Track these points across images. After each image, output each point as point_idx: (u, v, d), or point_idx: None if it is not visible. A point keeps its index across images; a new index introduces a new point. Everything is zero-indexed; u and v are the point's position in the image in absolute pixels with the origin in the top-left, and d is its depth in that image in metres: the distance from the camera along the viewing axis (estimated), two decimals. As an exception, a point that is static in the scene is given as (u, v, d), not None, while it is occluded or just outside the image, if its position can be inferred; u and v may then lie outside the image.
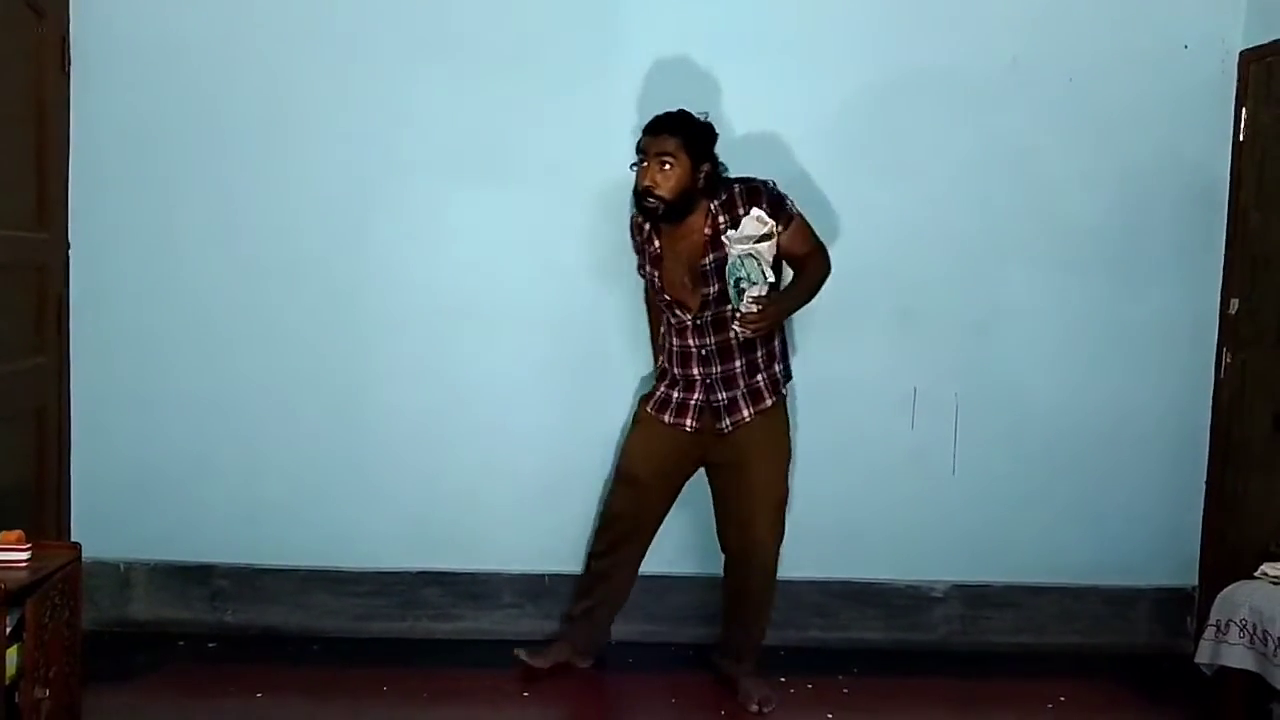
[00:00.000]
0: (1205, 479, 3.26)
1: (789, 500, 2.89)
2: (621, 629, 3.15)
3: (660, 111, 2.75)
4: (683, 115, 2.74)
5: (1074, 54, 3.15)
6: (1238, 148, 3.16)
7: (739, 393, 2.80)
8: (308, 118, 3.08)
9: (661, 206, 2.70)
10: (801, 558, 3.20)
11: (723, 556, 2.94)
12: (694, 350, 2.81)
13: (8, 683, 2.18)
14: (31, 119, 2.90)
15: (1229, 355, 3.19)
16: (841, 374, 3.18)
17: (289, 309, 3.12)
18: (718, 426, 2.81)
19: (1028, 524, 3.27)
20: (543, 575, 3.20)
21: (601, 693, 2.97)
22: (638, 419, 2.95)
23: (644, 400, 2.94)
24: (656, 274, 2.83)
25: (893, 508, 3.24)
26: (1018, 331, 3.23)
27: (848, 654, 3.17)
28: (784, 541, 2.88)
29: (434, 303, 3.13)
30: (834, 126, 3.13)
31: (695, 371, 2.82)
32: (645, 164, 2.71)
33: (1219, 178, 3.19)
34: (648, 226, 2.81)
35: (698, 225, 2.75)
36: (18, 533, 2.36)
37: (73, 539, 2.96)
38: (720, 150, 2.76)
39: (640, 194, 2.71)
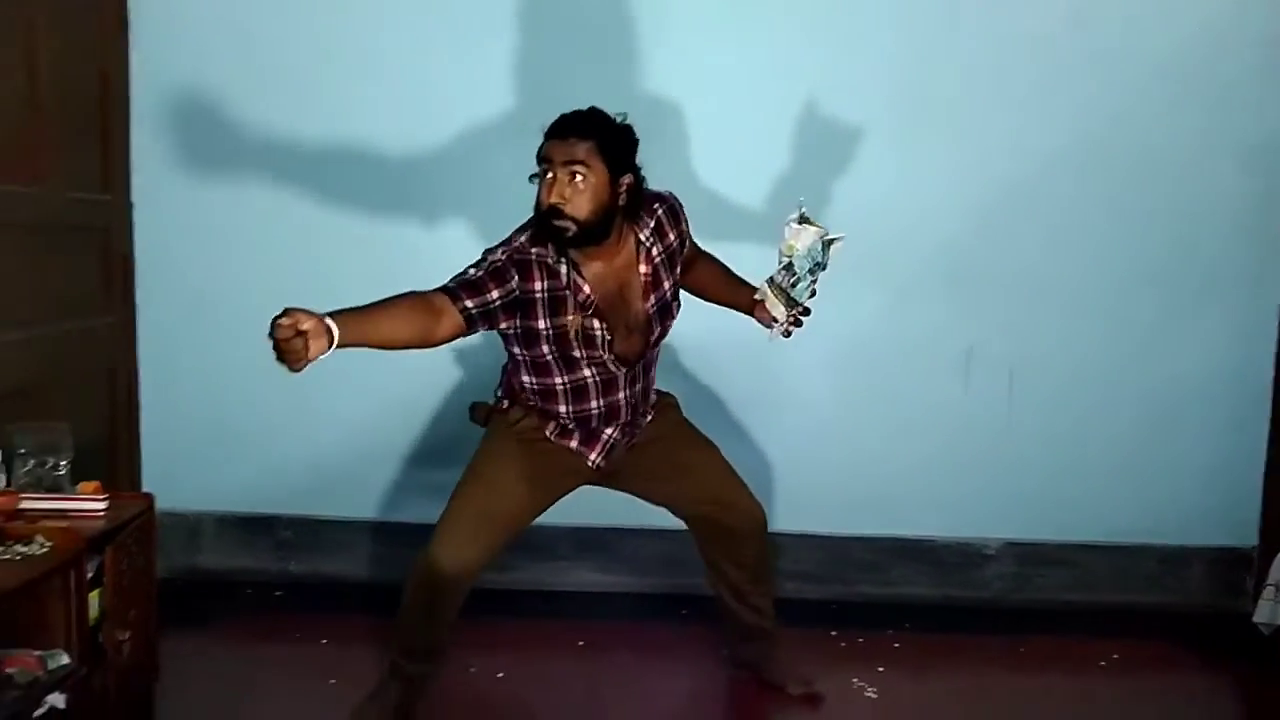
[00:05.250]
0: (1266, 438, 3.21)
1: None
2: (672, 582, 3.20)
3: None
4: (595, 114, 2.17)
5: (1135, 4, 3.06)
6: (1308, 98, 3.08)
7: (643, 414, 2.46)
8: (374, 73, 3.08)
9: (573, 228, 2.12)
10: (851, 515, 3.24)
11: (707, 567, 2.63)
12: (623, 403, 2.36)
13: (92, 624, 2.29)
14: (93, 79, 2.93)
15: (1293, 312, 3.13)
16: (894, 333, 3.16)
17: (349, 267, 3.13)
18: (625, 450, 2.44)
19: (1081, 482, 3.24)
20: (599, 528, 3.25)
21: (654, 643, 3.00)
22: (520, 438, 2.39)
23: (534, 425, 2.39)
24: (598, 325, 2.23)
25: (945, 465, 3.24)
26: (1072, 290, 3.18)
27: (899, 609, 3.19)
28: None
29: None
30: (886, 82, 3.08)
31: (622, 416, 2.38)
32: (550, 175, 2.13)
33: (1285, 128, 3.10)
34: (565, 268, 2.19)
35: (630, 262, 2.25)
36: (95, 484, 2.45)
37: (144, 491, 3.06)
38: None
39: (545, 213, 2.14)
